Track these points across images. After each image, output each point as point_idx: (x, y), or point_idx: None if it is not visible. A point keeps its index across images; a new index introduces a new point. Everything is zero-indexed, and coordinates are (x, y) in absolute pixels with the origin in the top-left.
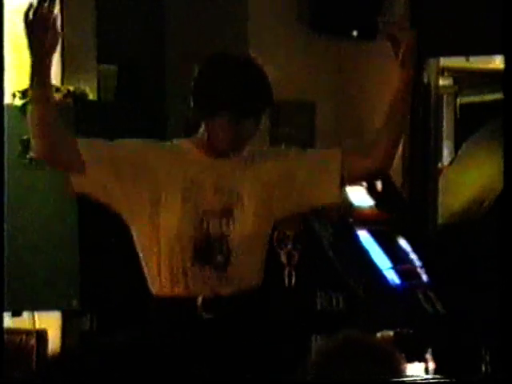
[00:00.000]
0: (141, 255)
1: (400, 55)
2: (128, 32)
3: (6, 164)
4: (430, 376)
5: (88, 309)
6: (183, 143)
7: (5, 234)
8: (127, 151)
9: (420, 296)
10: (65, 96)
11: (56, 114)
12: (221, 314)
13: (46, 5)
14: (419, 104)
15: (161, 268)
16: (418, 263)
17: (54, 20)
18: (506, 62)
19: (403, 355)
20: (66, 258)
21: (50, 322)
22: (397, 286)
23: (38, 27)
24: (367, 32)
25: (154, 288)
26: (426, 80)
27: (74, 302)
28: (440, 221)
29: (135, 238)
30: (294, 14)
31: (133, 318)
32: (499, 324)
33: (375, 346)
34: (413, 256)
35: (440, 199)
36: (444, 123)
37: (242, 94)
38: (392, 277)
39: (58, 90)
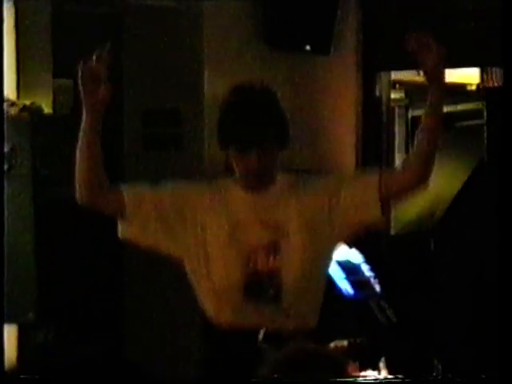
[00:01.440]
0: (196, 291)
1: (430, 69)
2: (84, 46)
3: None
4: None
5: (44, 322)
6: (223, 181)
7: None
8: (171, 195)
9: (373, 306)
10: (20, 110)
11: (102, 162)
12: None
13: (97, 59)
14: (371, 117)
15: (216, 304)
16: (370, 274)
17: (105, 74)
18: (506, 74)
19: (357, 364)
20: (23, 270)
21: (5, 335)
22: (350, 296)
23: (88, 81)
24: (320, 46)
25: (213, 320)
26: (377, 93)
27: (30, 315)
28: (392, 232)
29: (188, 274)
30: (248, 28)
31: (89, 331)
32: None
33: (325, 356)
34: (365, 267)
35: (392, 211)
36: (396, 135)
37: (239, 126)
38: (346, 287)
39: (13, 104)
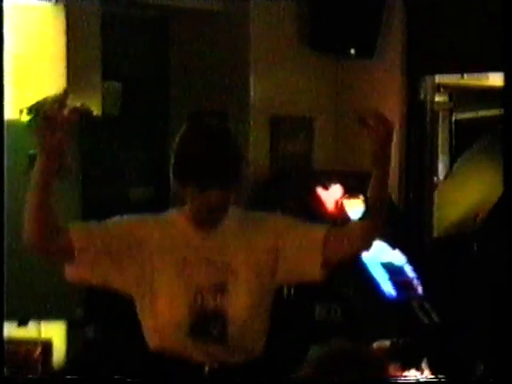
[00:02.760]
0: (143, 327)
1: (374, 147)
2: (132, 49)
3: (11, 177)
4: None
5: (92, 318)
6: (173, 216)
7: (9, 246)
8: (119, 231)
9: (415, 307)
10: (71, 112)
11: (52, 203)
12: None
13: (56, 107)
14: (415, 120)
15: (160, 341)
16: (413, 275)
17: (64, 124)
18: (506, 77)
19: (399, 365)
20: None
21: (55, 332)
22: (393, 297)
23: (44, 126)
24: (364, 50)
25: (155, 347)
26: (422, 96)
27: (78, 312)
28: (436, 234)
29: (137, 310)
30: (293, 33)
31: (134, 327)
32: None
33: (366, 356)
34: (408, 268)
35: (436, 213)
36: (439, 138)
37: (203, 166)
38: (388, 288)
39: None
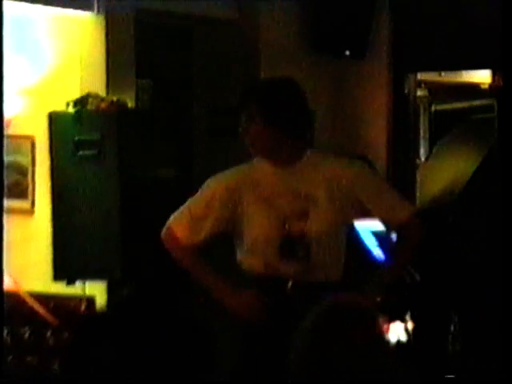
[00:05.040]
0: (238, 250)
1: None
2: (161, 52)
3: (59, 160)
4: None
5: (128, 279)
6: (258, 161)
7: (61, 217)
8: (214, 194)
9: None
10: (109, 105)
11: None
12: (304, 295)
13: None
14: (401, 111)
15: (254, 260)
16: None
17: None
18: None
19: (387, 316)
20: (111, 236)
21: (97, 290)
22: (382, 260)
23: None
24: (357, 52)
25: (250, 272)
26: (406, 91)
27: (117, 273)
28: (418, 207)
29: (234, 237)
30: (297, 37)
31: (165, 286)
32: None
33: (360, 308)
34: (394, 235)
35: (418, 189)
36: (421, 127)
37: (267, 106)
38: (378, 253)
39: (103, 99)
